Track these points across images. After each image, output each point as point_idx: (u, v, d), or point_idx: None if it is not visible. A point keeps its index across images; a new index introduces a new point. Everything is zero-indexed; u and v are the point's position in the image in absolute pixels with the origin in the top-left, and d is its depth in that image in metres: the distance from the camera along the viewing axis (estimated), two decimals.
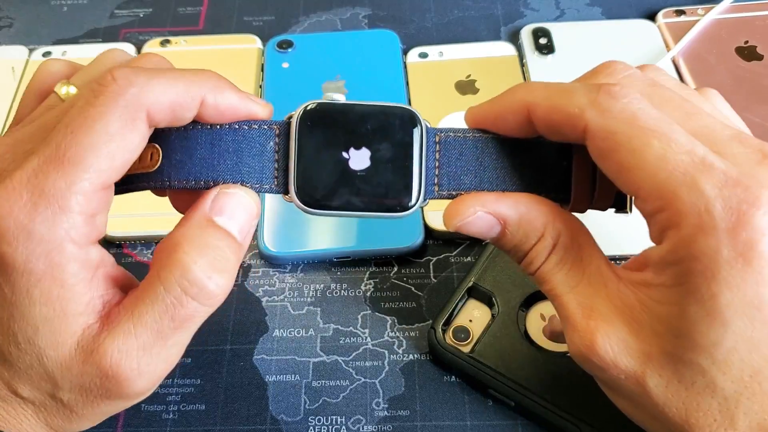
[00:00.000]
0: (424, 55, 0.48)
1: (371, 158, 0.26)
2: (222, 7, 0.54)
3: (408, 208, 0.26)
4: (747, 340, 0.22)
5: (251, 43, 0.50)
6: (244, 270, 0.40)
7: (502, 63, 0.48)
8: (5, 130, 0.45)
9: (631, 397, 0.25)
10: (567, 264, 0.25)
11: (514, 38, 0.50)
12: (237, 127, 0.26)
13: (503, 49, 0.49)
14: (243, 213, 0.25)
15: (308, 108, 0.26)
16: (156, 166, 0.25)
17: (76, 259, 0.23)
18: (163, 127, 0.25)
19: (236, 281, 0.39)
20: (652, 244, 0.24)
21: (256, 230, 0.40)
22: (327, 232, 0.40)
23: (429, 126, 0.27)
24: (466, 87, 0.46)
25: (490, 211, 0.26)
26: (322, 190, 0.26)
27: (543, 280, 0.26)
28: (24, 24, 0.53)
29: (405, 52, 0.49)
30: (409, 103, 0.45)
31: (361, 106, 0.26)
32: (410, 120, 0.26)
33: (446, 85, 0.47)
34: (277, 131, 0.26)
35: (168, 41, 0.50)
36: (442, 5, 0.53)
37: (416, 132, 0.26)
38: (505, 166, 0.27)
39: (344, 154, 0.26)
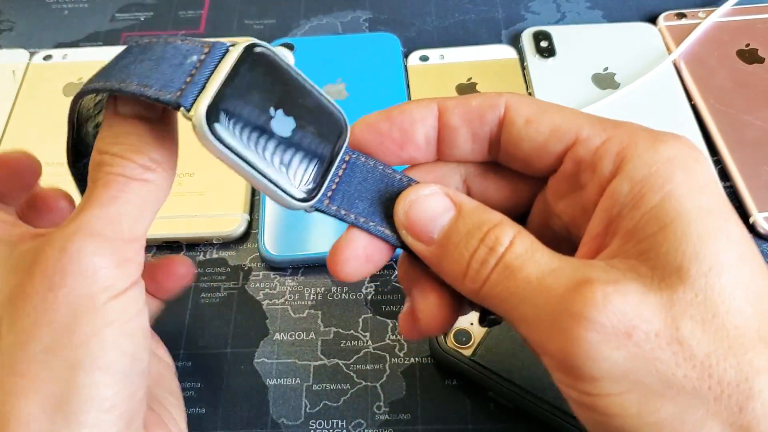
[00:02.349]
0: (425, 59, 0.48)
1: (294, 131, 0.24)
2: (223, 10, 0.54)
3: (295, 200, 0.24)
4: (747, 246, 0.21)
5: None
6: (245, 273, 0.40)
7: (503, 66, 0.48)
8: (5, 133, 0.45)
9: (667, 374, 0.19)
10: (538, 250, 0.22)
11: (515, 41, 0.50)
12: (171, 40, 0.24)
13: (504, 52, 0.49)
14: None
15: (257, 48, 0.23)
16: None
17: None
18: None
19: (237, 284, 0.39)
20: None
21: (257, 233, 0.40)
22: (328, 235, 0.40)
23: (347, 143, 0.25)
24: (467, 90, 0.46)
25: (447, 192, 0.24)
26: (231, 124, 0.22)
27: (511, 268, 0.21)
28: (25, 27, 0.53)
29: (406, 55, 0.49)
30: None
31: (307, 82, 0.24)
32: (340, 126, 0.25)
33: (447, 88, 0.46)
34: (207, 50, 0.23)
35: None
36: (442, 8, 0.53)
37: (339, 140, 0.25)
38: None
39: (271, 111, 0.23)
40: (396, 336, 0.37)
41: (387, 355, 0.36)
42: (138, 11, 0.54)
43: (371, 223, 0.25)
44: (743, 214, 0.40)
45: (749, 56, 0.47)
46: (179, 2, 0.54)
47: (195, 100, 0.22)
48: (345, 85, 0.47)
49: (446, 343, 0.35)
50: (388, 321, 0.38)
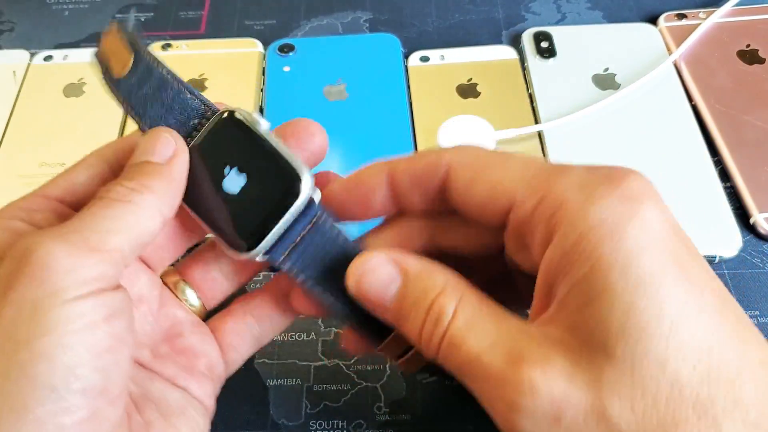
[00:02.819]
0: (425, 59, 0.48)
1: (243, 188, 0.26)
2: (223, 11, 0.54)
3: (232, 248, 0.27)
4: (687, 307, 0.20)
5: (252, 47, 0.50)
6: None
7: (503, 67, 0.48)
8: (5, 134, 0.45)
9: None
10: (478, 322, 0.22)
11: (515, 42, 0.50)
12: (182, 90, 0.28)
13: (505, 52, 0.49)
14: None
15: (230, 114, 0.27)
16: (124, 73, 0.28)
17: None
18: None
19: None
20: None
21: None
22: None
23: (318, 205, 0.27)
24: (468, 91, 0.46)
25: (392, 259, 0.25)
26: (242, 231, 0.26)
27: (454, 344, 0.23)
28: (25, 28, 0.53)
29: (406, 56, 0.49)
30: (411, 107, 0.45)
31: (272, 143, 0.27)
32: (296, 187, 0.26)
33: (448, 89, 0.47)
34: (208, 116, 0.28)
35: (169, 45, 0.50)
36: (443, 9, 0.53)
37: (291, 198, 0.26)
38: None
39: (226, 170, 0.27)
40: None
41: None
42: (138, 12, 0.54)
43: (318, 290, 0.27)
44: (743, 214, 0.40)
45: (750, 57, 0.47)
46: (179, 3, 0.54)
47: None
48: (345, 86, 0.47)
49: None
50: None
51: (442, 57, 0.48)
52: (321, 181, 0.29)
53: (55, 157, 0.44)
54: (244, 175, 0.27)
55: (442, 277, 0.24)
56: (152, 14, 0.53)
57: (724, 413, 0.19)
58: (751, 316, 0.37)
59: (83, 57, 0.49)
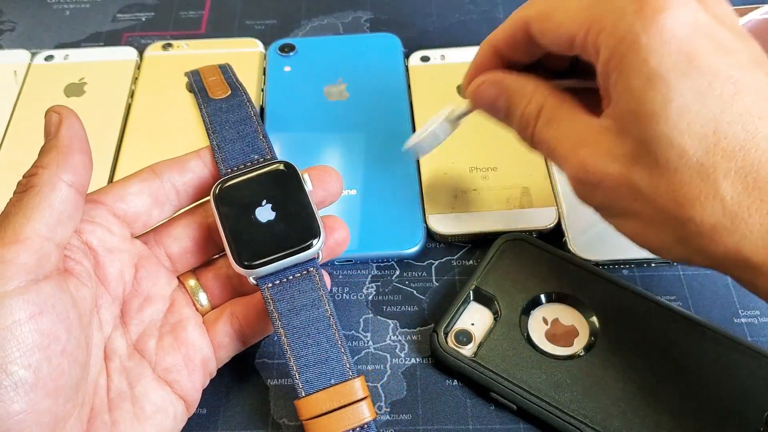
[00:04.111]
0: (425, 59, 0.48)
1: (269, 221, 0.32)
2: (224, 11, 0.54)
3: (233, 260, 0.31)
4: (693, 92, 0.24)
5: (253, 46, 0.50)
6: None
7: None
8: (6, 133, 0.45)
9: (628, 208, 0.27)
10: (555, 121, 0.29)
11: None
12: (258, 132, 0.35)
13: None
14: None
15: (284, 166, 0.33)
16: None
17: None
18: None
19: None
20: None
21: None
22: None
23: (317, 261, 0.32)
24: None
25: (495, 79, 0.32)
26: (228, 199, 0.32)
27: (540, 140, 0.30)
28: (26, 28, 0.53)
29: (407, 56, 0.49)
30: (411, 107, 0.45)
31: (308, 198, 0.32)
32: (310, 237, 0.31)
33: (448, 88, 0.46)
34: (268, 157, 0.34)
35: (170, 45, 0.50)
36: (443, 9, 0.53)
37: (303, 245, 0.31)
38: None
39: (264, 201, 0.32)
40: (397, 336, 0.37)
41: (388, 356, 0.36)
42: (139, 12, 0.54)
43: (277, 325, 0.31)
44: None
45: None
46: (180, 3, 0.54)
47: (222, 180, 0.33)
48: (346, 86, 0.47)
49: (447, 343, 0.35)
50: (389, 321, 0.38)
51: (443, 57, 0.48)
52: (329, 225, 0.34)
53: None
54: (275, 213, 0.32)
55: (530, 88, 0.31)
56: (153, 14, 0.54)
57: (724, 176, 0.24)
58: (751, 316, 0.37)
59: (84, 57, 0.49)
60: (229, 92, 0.36)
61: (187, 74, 0.39)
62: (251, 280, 0.31)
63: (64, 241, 0.27)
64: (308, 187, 0.33)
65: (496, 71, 0.32)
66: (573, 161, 0.28)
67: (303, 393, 0.30)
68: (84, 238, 0.30)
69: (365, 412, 0.30)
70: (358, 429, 0.29)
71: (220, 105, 0.36)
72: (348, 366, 0.30)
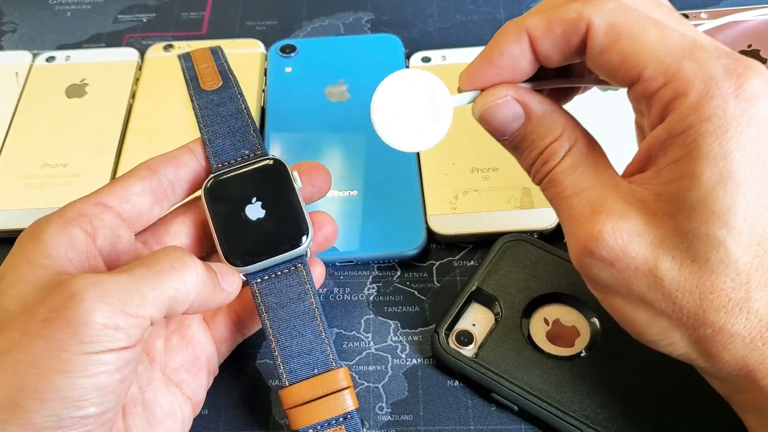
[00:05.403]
0: (427, 60, 0.48)
1: (260, 219, 0.32)
2: (225, 12, 0.54)
3: (224, 256, 0.31)
4: (757, 203, 0.23)
5: (254, 47, 0.50)
6: None
7: None
8: (8, 134, 0.45)
9: (640, 294, 0.25)
10: (580, 167, 0.26)
11: None
12: (250, 124, 0.35)
13: None
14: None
15: (274, 162, 0.33)
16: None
17: None
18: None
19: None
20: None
21: None
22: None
23: (305, 257, 0.32)
24: None
25: (520, 98, 0.27)
26: (217, 195, 0.32)
27: (554, 182, 0.27)
28: (28, 29, 0.53)
29: (408, 57, 0.49)
30: None
31: (297, 198, 0.32)
32: (298, 236, 0.32)
33: (449, 89, 0.46)
34: (258, 153, 0.34)
35: (171, 46, 0.50)
36: (444, 9, 0.53)
37: (296, 249, 0.32)
38: None
39: (253, 199, 0.32)
40: (398, 337, 0.37)
41: (389, 356, 0.36)
42: (140, 13, 0.54)
43: (264, 317, 0.31)
44: None
45: (751, 57, 0.47)
46: (181, 4, 0.54)
47: (214, 175, 0.33)
48: (347, 87, 0.47)
49: (448, 344, 0.35)
50: (390, 322, 0.38)
51: (444, 57, 0.48)
52: (317, 221, 0.34)
53: (57, 158, 0.44)
54: (265, 211, 0.32)
55: (562, 122, 0.27)
56: (154, 15, 0.54)
57: (758, 290, 0.23)
58: None
59: (85, 58, 0.49)
60: (221, 83, 0.36)
61: (179, 57, 0.39)
62: (241, 276, 0.32)
63: (156, 324, 0.27)
64: (297, 184, 0.33)
65: (517, 86, 0.27)
66: (587, 227, 0.25)
67: (287, 382, 0.30)
68: (98, 244, 0.30)
69: (348, 402, 0.30)
70: (341, 418, 0.30)
71: (212, 97, 0.36)
72: (332, 357, 0.31)
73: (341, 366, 0.31)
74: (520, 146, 0.28)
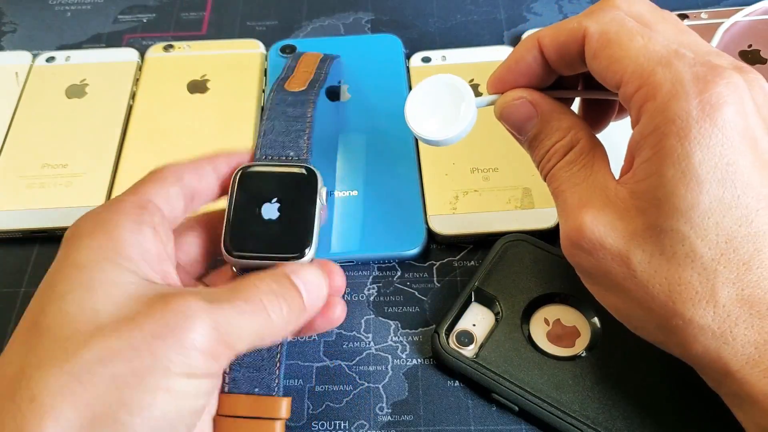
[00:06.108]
0: (427, 60, 0.48)
1: (271, 219, 0.32)
2: (225, 12, 0.54)
3: (228, 252, 0.31)
4: (720, 202, 0.24)
5: (254, 48, 0.50)
6: None
7: None
8: (8, 135, 0.45)
9: (617, 283, 0.27)
10: (577, 166, 0.29)
11: (517, 42, 0.50)
12: (307, 132, 0.35)
13: (506, 53, 0.48)
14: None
15: (303, 169, 0.33)
16: None
17: None
18: None
19: None
20: None
21: None
22: (330, 237, 0.40)
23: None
24: None
25: (532, 100, 0.30)
26: (242, 191, 0.32)
27: (555, 177, 0.29)
28: (28, 29, 0.53)
29: (408, 57, 0.49)
30: None
31: (314, 209, 0.32)
32: (302, 251, 0.31)
33: None
34: (302, 157, 0.34)
35: (171, 46, 0.50)
36: (444, 10, 0.53)
37: (297, 260, 0.31)
38: None
39: (273, 199, 0.32)
40: (398, 337, 0.37)
41: (389, 357, 0.36)
42: (140, 13, 0.54)
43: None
44: None
45: (752, 57, 0.47)
46: (181, 4, 0.54)
47: (250, 165, 0.33)
48: (347, 87, 0.47)
49: (448, 344, 0.35)
50: (391, 322, 0.38)
51: (444, 58, 0.48)
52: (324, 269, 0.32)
53: (57, 158, 0.44)
54: (279, 213, 0.32)
55: (569, 123, 0.30)
56: (154, 15, 0.54)
57: (723, 285, 0.25)
58: None
59: (85, 58, 0.49)
60: (303, 89, 0.38)
61: (289, 57, 0.42)
62: (234, 269, 0.31)
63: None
64: (322, 201, 0.33)
65: (531, 90, 0.30)
66: (573, 219, 0.28)
67: (227, 389, 0.30)
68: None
69: None
70: None
71: (287, 97, 0.37)
72: (276, 382, 0.30)
73: (284, 396, 0.30)
74: (533, 144, 0.30)
